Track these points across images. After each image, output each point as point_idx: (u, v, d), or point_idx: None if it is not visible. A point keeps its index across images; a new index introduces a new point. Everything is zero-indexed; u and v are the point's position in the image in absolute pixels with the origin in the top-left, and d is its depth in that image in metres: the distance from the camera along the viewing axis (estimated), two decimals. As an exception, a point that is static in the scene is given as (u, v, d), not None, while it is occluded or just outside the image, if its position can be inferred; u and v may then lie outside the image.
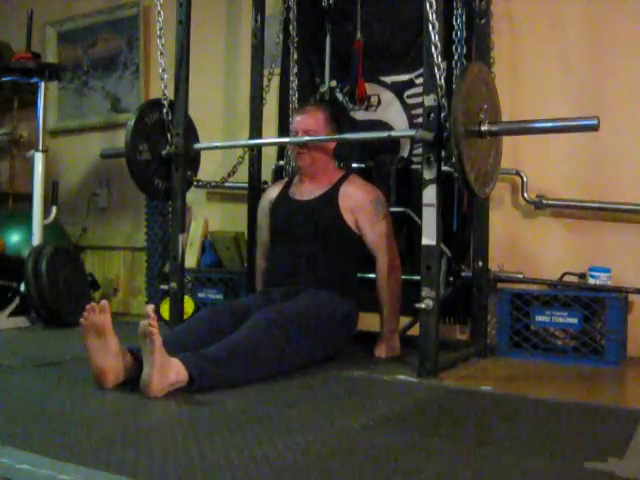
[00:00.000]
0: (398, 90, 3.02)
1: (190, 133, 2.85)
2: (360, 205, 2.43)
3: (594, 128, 2.03)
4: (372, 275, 2.73)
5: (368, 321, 2.63)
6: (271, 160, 3.20)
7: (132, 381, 1.80)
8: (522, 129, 2.27)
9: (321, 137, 2.45)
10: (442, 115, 2.08)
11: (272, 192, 2.65)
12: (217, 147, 3.16)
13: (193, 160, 2.90)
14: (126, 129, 2.70)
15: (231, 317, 2.14)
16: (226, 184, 3.08)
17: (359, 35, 2.98)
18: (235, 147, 2.69)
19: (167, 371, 1.70)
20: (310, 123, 2.46)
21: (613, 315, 2.40)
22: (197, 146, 2.78)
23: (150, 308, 1.69)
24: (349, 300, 2.38)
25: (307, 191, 2.51)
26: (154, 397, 1.68)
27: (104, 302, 1.78)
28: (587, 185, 2.71)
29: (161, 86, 2.72)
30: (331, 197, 2.45)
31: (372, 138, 2.47)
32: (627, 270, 2.60)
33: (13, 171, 4.21)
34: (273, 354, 1.97)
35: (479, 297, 2.58)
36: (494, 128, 2.14)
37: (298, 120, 2.50)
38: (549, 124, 2.19)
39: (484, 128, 2.11)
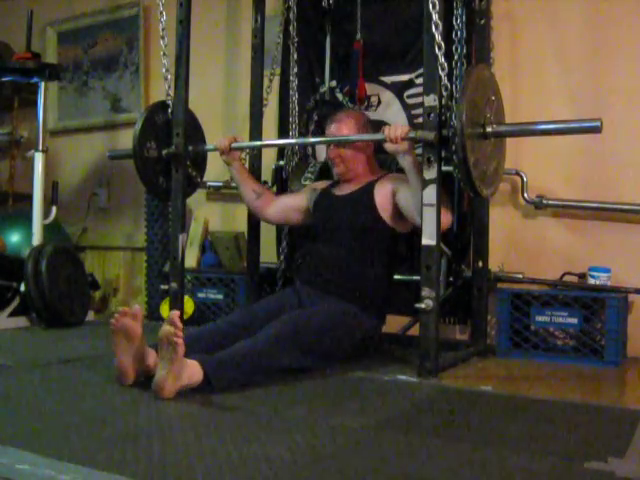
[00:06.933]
0: (398, 90, 3.02)
1: (195, 134, 2.85)
2: (399, 182, 2.36)
3: (597, 130, 2.03)
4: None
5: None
6: (271, 160, 3.21)
7: (143, 380, 1.82)
8: (526, 131, 2.27)
9: (322, 139, 2.47)
10: (446, 115, 2.08)
11: (320, 185, 2.68)
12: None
13: (200, 161, 2.90)
14: (135, 125, 2.70)
15: (257, 321, 2.13)
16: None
17: (359, 35, 2.98)
18: (238, 149, 2.68)
19: (181, 375, 1.71)
20: (342, 132, 2.45)
21: (613, 315, 2.39)
22: (197, 148, 2.77)
23: (176, 315, 1.69)
24: (374, 318, 2.34)
25: (346, 188, 2.52)
26: (164, 398, 1.68)
27: (137, 308, 1.80)
28: (587, 185, 2.71)
29: (165, 86, 2.71)
30: (367, 191, 2.43)
31: (372, 139, 2.47)
32: (627, 270, 2.60)
33: (13, 171, 4.21)
34: (287, 365, 1.99)
35: (479, 297, 2.58)
36: (499, 130, 2.14)
37: (331, 129, 2.49)
38: (552, 126, 2.19)
39: (489, 130, 2.11)
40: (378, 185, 2.43)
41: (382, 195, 2.39)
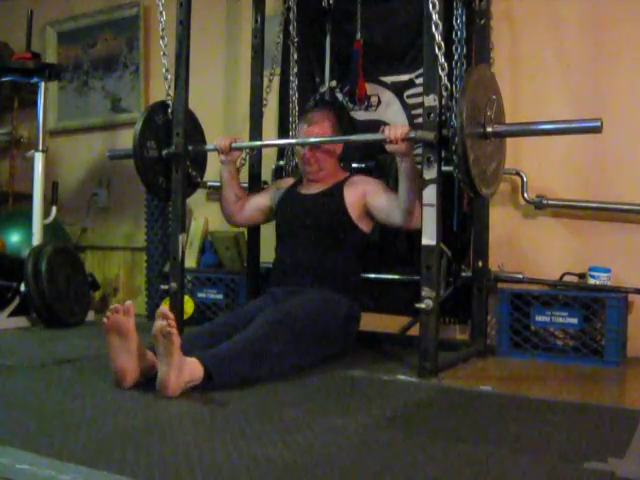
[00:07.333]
0: (398, 90, 3.02)
1: (195, 134, 2.84)
2: (369, 186, 2.47)
3: (597, 130, 2.03)
4: (373, 275, 2.73)
5: (368, 321, 2.63)
6: (271, 160, 3.20)
7: (142, 381, 1.82)
8: (526, 131, 2.28)
9: (321, 139, 2.48)
10: (447, 115, 2.08)
11: (284, 183, 2.74)
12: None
13: (200, 161, 2.90)
14: (135, 125, 2.70)
15: (241, 322, 2.15)
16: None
17: (359, 35, 2.98)
18: (238, 149, 2.68)
19: (183, 370, 1.71)
20: (317, 133, 2.50)
21: (613, 315, 2.39)
22: (197, 148, 2.77)
23: (166, 309, 1.70)
24: (352, 300, 2.40)
25: (313, 188, 2.57)
26: (169, 396, 1.68)
27: (129, 303, 1.78)
28: (587, 185, 2.71)
29: (165, 86, 2.71)
30: (337, 191, 2.50)
31: (372, 139, 2.47)
32: (627, 270, 2.60)
33: (13, 171, 4.21)
34: (280, 352, 2.00)
35: (479, 297, 2.58)
36: (499, 129, 2.14)
37: (305, 130, 2.53)
38: (552, 126, 2.20)
39: (489, 129, 2.11)
40: (347, 186, 2.51)
41: (352, 195, 2.47)
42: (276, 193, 2.68)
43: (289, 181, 2.74)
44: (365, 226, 2.48)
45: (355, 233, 2.46)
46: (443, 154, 2.15)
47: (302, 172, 2.62)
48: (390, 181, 2.64)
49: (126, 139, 3.38)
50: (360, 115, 3.08)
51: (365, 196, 2.45)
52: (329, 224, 2.46)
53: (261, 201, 2.72)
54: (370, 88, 3.03)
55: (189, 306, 3.09)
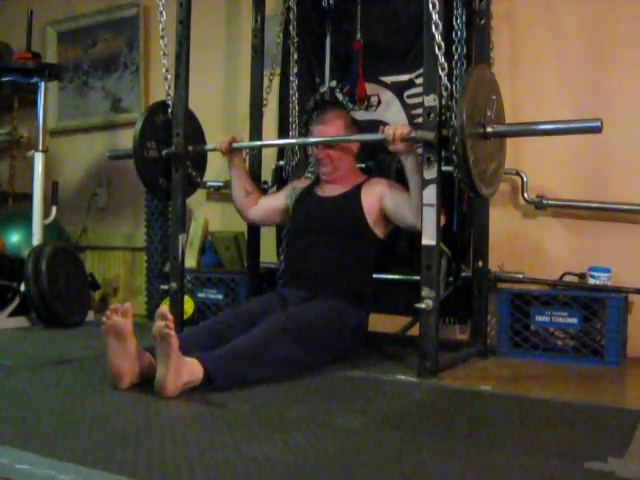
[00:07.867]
0: (398, 90, 3.02)
1: (195, 134, 2.84)
2: (385, 188, 2.42)
3: (597, 130, 2.03)
4: (373, 275, 2.72)
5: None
6: (271, 160, 3.21)
7: (140, 381, 1.82)
8: (526, 131, 2.28)
9: (323, 138, 2.47)
10: (447, 115, 2.08)
11: (300, 183, 2.71)
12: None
13: (200, 161, 2.90)
14: (135, 125, 2.70)
15: (245, 321, 2.14)
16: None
17: (359, 35, 2.98)
18: (239, 148, 2.68)
19: (181, 371, 1.71)
20: (330, 133, 2.47)
21: (613, 315, 2.40)
22: (197, 148, 2.77)
23: (165, 309, 1.70)
24: (361, 311, 2.38)
25: (330, 189, 2.54)
26: (167, 397, 1.68)
27: (127, 305, 1.78)
28: (587, 185, 2.71)
29: (165, 86, 2.72)
30: (354, 195, 2.46)
31: (372, 139, 2.47)
32: (627, 270, 2.60)
33: (13, 171, 4.21)
34: (284, 358, 2.00)
35: (479, 297, 2.58)
36: (499, 129, 2.14)
37: (318, 130, 2.51)
38: (553, 126, 2.20)
39: (489, 129, 2.11)
40: (365, 189, 2.47)
41: (370, 199, 2.44)
42: (292, 193, 2.65)
43: (307, 181, 2.72)
44: (380, 232, 2.45)
45: (370, 238, 2.43)
46: (443, 154, 2.15)
47: (319, 173, 2.59)
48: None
49: (126, 139, 3.39)
50: (360, 115, 3.07)
51: (381, 199, 2.41)
52: (345, 228, 2.42)
53: (277, 202, 2.69)
54: (370, 88, 3.03)
55: (189, 306, 3.09)
